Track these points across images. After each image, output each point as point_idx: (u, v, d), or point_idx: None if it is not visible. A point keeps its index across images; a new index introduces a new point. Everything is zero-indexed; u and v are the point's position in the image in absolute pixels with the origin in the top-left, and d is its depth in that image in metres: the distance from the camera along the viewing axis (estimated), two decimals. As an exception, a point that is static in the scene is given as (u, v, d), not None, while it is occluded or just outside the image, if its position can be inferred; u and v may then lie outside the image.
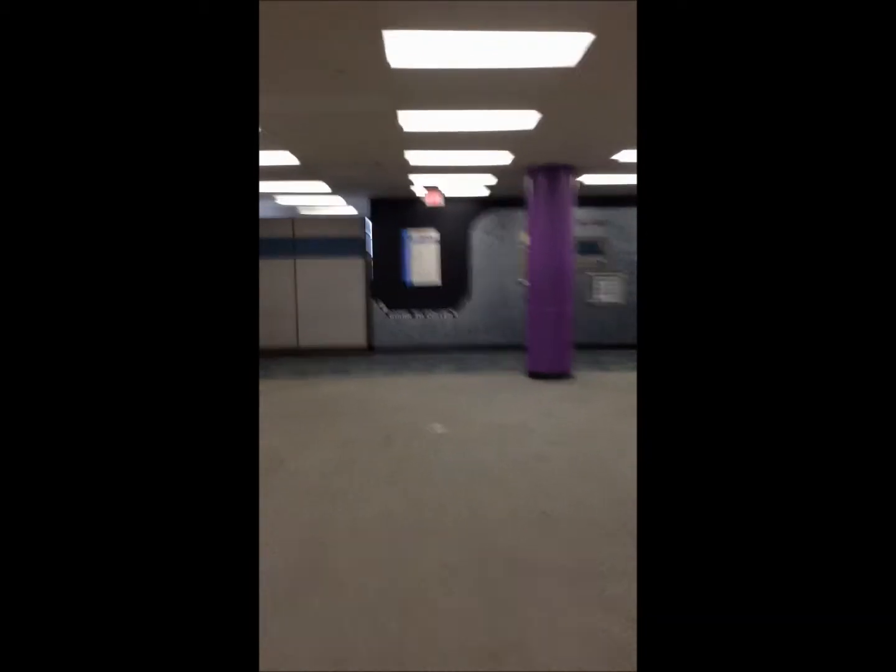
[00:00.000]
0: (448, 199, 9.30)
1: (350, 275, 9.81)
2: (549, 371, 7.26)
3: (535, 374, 7.35)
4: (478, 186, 8.64)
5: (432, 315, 9.92)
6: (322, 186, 8.39)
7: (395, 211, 9.74)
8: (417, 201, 9.56)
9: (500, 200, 9.65)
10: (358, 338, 9.90)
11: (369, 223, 9.84)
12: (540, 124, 4.99)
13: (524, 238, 7.44)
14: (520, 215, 9.68)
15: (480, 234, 9.78)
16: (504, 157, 6.45)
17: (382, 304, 9.90)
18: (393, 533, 3.20)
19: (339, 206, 10.98)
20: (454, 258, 9.81)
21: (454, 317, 9.91)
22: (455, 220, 9.77)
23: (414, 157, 6.36)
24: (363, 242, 9.79)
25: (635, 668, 2.03)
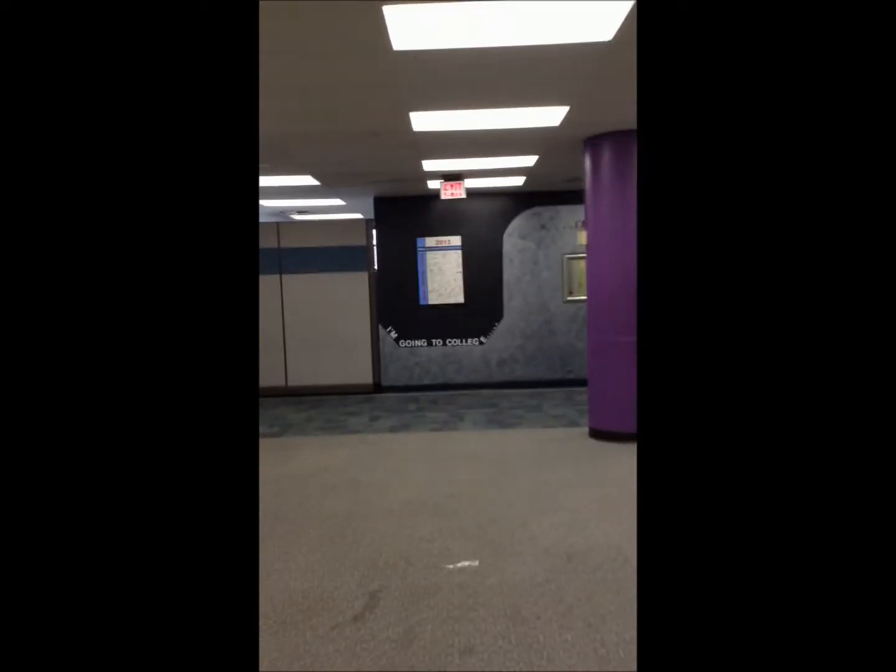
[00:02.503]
0: (472, 194, 7.18)
1: (351, 294, 7.74)
2: (625, 429, 5.02)
3: (602, 434, 5.14)
4: (512, 175, 6.53)
5: (455, 343, 7.78)
6: (307, 181, 6.35)
7: (406, 212, 7.65)
8: (433, 199, 7.47)
9: (542, 194, 7.50)
10: (362, 374, 7.80)
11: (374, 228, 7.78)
12: (620, 36, 2.84)
13: (582, 238, 5.27)
14: (566, 213, 7.51)
15: (515, 239, 7.63)
16: (553, 116, 4.32)
17: (392, 331, 7.80)
18: None
19: (336, 212, 8.95)
20: (482, 271, 7.66)
21: (482, 345, 7.75)
22: (482, 221, 7.64)
23: (422, 121, 4.27)
24: (367, 253, 7.72)
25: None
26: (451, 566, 2.97)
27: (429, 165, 5.84)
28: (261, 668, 2.22)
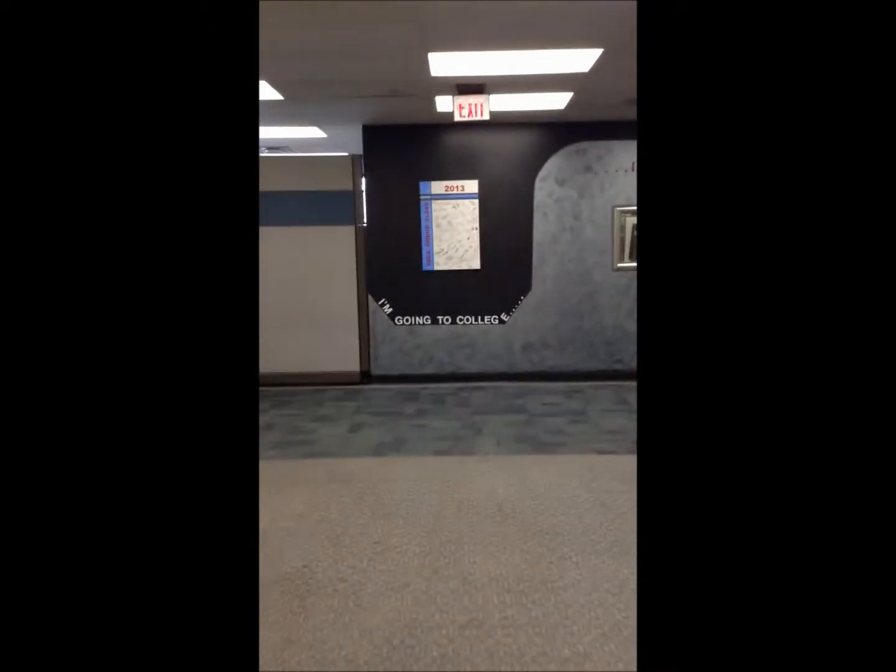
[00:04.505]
0: (495, 123, 5.27)
1: (332, 255, 5.92)
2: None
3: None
4: (554, 91, 4.65)
5: (468, 322, 5.98)
6: (263, 92, 4.47)
7: (406, 147, 5.77)
8: (442, 130, 5.58)
9: (589, 125, 5.60)
10: (345, 360, 6.03)
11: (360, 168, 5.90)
12: None
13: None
14: (622, 150, 5.63)
15: (551, 185, 5.76)
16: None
17: (386, 304, 6.00)
18: None
19: (316, 149, 7.06)
20: (505, 226, 5.81)
21: (503, 324, 5.96)
22: (507, 160, 5.76)
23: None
24: (354, 200, 5.87)
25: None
26: None
27: (438, 66, 3.95)
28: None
